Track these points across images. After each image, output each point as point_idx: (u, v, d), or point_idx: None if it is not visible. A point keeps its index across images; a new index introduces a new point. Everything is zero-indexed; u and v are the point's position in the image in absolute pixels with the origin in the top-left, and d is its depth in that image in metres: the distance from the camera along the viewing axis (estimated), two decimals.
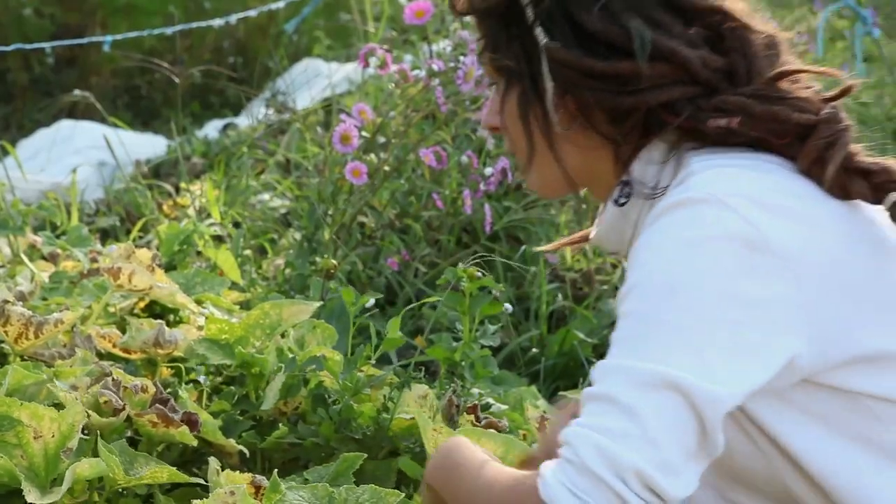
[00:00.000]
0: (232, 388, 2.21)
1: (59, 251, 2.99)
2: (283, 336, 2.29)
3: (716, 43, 1.34)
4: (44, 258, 3.00)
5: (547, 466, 1.20)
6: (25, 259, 2.87)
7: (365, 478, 1.91)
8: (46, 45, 5.57)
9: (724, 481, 1.40)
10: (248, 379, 2.18)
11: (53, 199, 3.69)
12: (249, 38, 7.33)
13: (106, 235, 3.82)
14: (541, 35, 1.35)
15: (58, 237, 3.19)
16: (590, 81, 1.32)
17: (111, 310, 2.48)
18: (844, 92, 1.36)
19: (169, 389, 2.01)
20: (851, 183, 1.30)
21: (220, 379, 2.26)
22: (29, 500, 1.47)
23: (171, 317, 2.59)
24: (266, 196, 3.94)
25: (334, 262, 2.73)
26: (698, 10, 1.35)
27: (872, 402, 1.29)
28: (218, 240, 3.38)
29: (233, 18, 4.74)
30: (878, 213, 1.32)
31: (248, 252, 3.32)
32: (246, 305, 2.84)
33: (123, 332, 2.31)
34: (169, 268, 2.96)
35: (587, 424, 1.19)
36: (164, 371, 2.22)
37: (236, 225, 3.64)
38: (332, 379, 2.11)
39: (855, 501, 1.30)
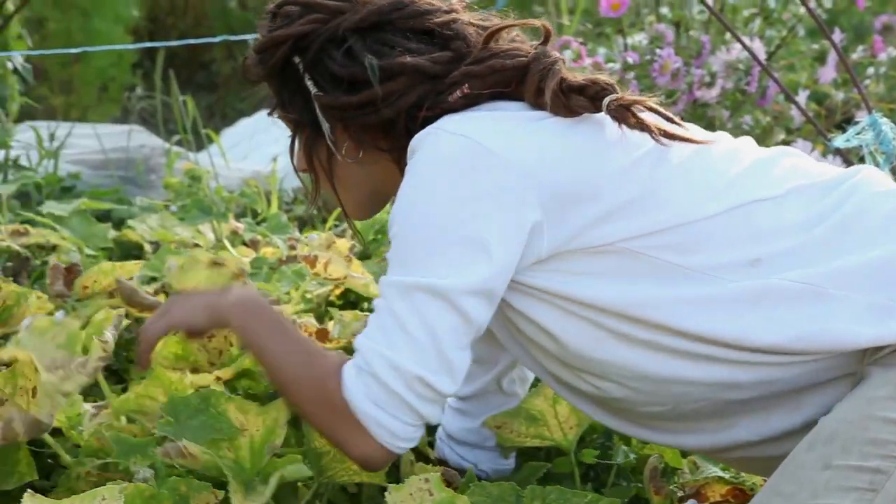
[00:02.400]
0: None
1: (259, 238, 3.10)
2: None
3: (441, 41, 1.58)
4: (244, 244, 3.11)
5: (348, 371, 1.45)
6: (228, 244, 2.98)
7: (550, 475, 1.91)
8: (250, 37, 5.73)
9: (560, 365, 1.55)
10: None
11: (254, 187, 3.82)
12: None
13: (303, 224, 3.93)
14: (311, 87, 1.60)
15: (258, 224, 3.30)
16: (350, 113, 1.58)
17: (308, 296, 2.56)
18: (547, 35, 1.60)
19: None
20: (570, 101, 1.50)
21: None
22: (234, 501, 1.48)
23: (365, 304, 2.64)
24: None
25: None
26: (427, 27, 1.58)
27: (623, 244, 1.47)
28: None
29: None
30: (605, 119, 1.52)
31: None
32: None
33: (319, 319, 2.37)
34: (363, 257, 3.03)
35: (373, 337, 1.45)
36: None
37: None
38: None
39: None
